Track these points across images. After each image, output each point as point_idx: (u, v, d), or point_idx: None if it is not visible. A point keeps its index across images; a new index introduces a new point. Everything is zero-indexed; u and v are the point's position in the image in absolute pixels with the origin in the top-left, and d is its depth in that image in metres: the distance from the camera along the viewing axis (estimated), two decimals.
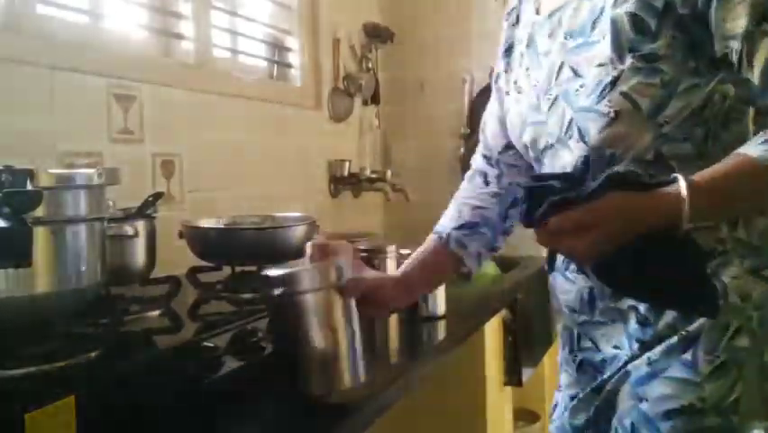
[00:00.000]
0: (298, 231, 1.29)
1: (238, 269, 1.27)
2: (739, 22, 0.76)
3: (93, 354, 0.81)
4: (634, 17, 0.82)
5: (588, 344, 0.98)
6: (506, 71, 1.09)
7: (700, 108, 0.84)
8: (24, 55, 1.30)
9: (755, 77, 0.77)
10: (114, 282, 1.06)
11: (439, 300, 1.39)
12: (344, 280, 0.88)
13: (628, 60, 0.82)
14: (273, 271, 0.87)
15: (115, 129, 1.50)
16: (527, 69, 1.00)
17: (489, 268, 2.00)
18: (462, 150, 2.69)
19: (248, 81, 2.04)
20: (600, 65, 0.84)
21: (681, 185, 0.74)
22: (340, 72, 2.49)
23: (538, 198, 0.79)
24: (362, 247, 1.56)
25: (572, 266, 0.95)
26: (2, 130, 1.24)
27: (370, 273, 1.00)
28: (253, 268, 1.27)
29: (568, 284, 0.97)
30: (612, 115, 0.84)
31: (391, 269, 1.54)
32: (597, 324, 0.95)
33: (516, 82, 1.04)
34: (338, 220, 2.45)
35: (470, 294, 1.57)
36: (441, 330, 1.34)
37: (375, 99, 2.70)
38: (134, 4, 1.66)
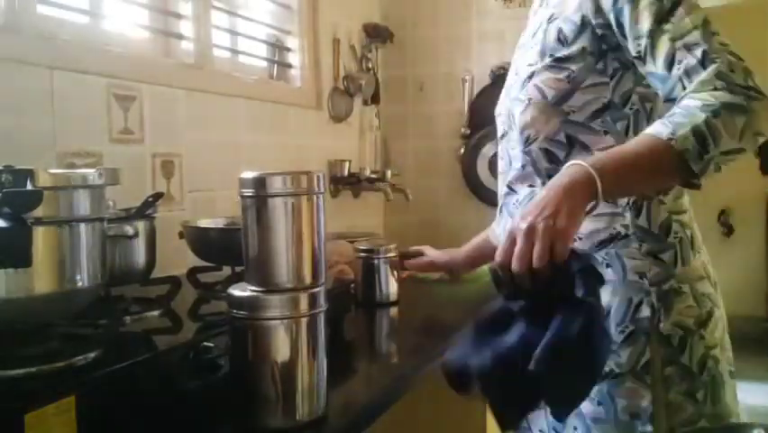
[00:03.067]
0: None
1: (238, 269, 1.27)
2: (645, 23, 0.92)
3: (93, 355, 0.81)
4: (558, 30, 1.01)
5: None
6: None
7: (621, 104, 1.00)
8: (24, 55, 1.30)
9: (658, 66, 0.91)
10: (114, 282, 1.06)
11: None
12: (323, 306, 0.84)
13: (546, 60, 1.01)
14: (238, 292, 0.82)
15: (115, 129, 1.50)
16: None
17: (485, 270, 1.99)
18: (462, 150, 2.70)
19: (248, 81, 2.04)
20: (529, 65, 1.04)
21: (582, 163, 0.84)
22: (340, 72, 2.49)
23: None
24: (362, 247, 1.57)
25: None
26: (2, 130, 1.24)
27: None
28: None
29: None
30: (526, 101, 1.04)
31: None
32: None
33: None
34: (338, 220, 2.45)
35: (469, 295, 1.57)
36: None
37: (375, 99, 2.70)
38: (134, 4, 1.66)
